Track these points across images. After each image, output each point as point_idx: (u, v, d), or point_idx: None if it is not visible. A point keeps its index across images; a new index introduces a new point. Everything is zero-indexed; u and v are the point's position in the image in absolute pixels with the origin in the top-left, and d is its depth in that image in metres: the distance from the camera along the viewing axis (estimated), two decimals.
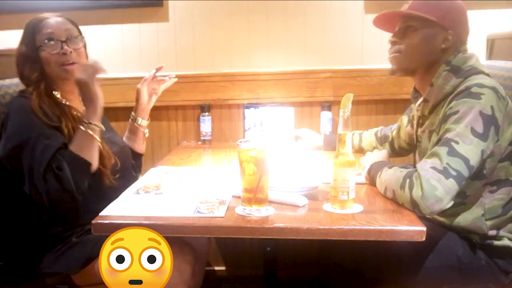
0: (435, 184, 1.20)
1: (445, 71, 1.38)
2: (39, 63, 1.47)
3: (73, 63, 1.49)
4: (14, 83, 1.61)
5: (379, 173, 1.39)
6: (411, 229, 1.11)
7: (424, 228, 1.11)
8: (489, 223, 1.37)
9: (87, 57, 1.59)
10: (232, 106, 2.25)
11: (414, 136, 1.55)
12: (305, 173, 1.53)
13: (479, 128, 1.25)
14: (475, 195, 1.37)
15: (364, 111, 2.23)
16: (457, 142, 1.24)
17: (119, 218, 1.18)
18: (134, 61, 2.25)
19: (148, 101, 1.77)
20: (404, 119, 1.71)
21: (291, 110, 1.99)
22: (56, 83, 1.50)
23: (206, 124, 2.19)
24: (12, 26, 2.28)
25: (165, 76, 1.83)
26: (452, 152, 1.23)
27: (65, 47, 1.48)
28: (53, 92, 1.49)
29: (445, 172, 1.21)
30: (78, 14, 2.20)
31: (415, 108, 1.56)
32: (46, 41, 1.46)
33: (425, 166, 1.24)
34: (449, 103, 1.32)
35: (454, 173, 1.21)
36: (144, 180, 1.51)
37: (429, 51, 1.41)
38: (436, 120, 1.39)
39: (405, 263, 1.39)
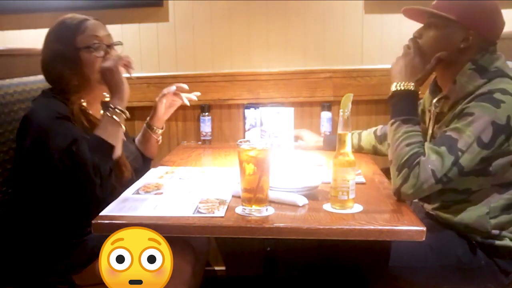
0: (425, 188, 1.26)
1: (470, 70, 1.37)
2: (79, 64, 1.43)
3: None
4: (14, 83, 1.60)
5: (394, 120, 1.36)
6: (411, 229, 1.11)
7: (424, 228, 1.11)
8: (493, 221, 1.37)
9: None
10: (232, 106, 2.25)
11: (430, 132, 1.52)
12: (305, 173, 1.53)
13: (486, 138, 1.26)
14: (481, 193, 1.37)
15: (364, 111, 2.23)
16: (463, 152, 1.26)
17: (119, 218, 1.18)
18: (134, 61, 2.25)
19: (165, 113, 1.75)
20: None
21: (291, 110, 1.99)
22: (84, 89, 1.47)
23: (206, 124, 2.19)
24: (12, 26, 2.28)
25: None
26: (455, 162, 1.26)
27: (112, 51, 1.48)
28: (81, 100, 1.47)
29: (440, 180, 1.26)
30: (79, 14, 2.21)
31: (427, 102, 1.55)
32: (89, 44, 1.44)
33: (427, 165, 1.26)
34: (469, 102, 1.31)
35: (445, 179, 1.26)
36: (144, 180, 1.51)
37: (445, 49, 1.39)
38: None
39: (405, 263, 1.39)
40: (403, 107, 1.37)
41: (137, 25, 2.26)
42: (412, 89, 1.38)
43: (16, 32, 2.29)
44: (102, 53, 1.45)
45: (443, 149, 1.27)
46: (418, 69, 1.40)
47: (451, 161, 1.26)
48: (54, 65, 1.44)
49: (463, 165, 1.26)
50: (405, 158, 1.29)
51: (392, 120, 1.37)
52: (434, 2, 1.42)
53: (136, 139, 1.80)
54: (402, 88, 1.38)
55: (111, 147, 1.34)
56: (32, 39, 2.27)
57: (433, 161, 1.26)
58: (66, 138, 1.29)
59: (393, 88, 1.40)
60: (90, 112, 1.48)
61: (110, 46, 1.48)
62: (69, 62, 1.42)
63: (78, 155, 1.27)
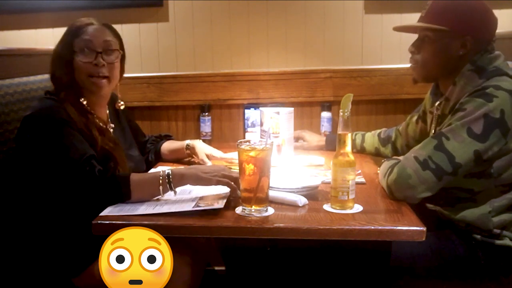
0: (410, 172, 1.26)
1: (469, 71, 1.37)
2: (71, 68, 1.43)
3: (103, 77, 1.45)
4: (14, 83, 1.60)
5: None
6: (411, 229, 1.11)
7: (424, 228, 1.11)
8: (495, 220, 1.37)
9: (122, 72, 1.55)
10: (232, 106, 2.25)
11: (432, 134, 1.53)
12: (305, 173, 1.53)
13: (477, 129, 1.26)
14: (486, 193, 1.37)
15: (364, 111, 2.23)
16: (447, 138, 1.27)
17: (119, 218, 1.18)
18: (134, 61, 2.25)
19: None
20: (415, 116, 1.70)
21: (291, 110, 1.99)
22: (84, 91, 1.47)
23: (206, 124, 2.19)
24: (12, 26, 2.28)
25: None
26: (439, 147, 1.27)
27: (99, 58, 1.43)
28: (80, 99, 1.45)
29: (424, 164, 1.26)
30: (78, 14, 2.20)
31: (428, 103, 1.55)
32: (81, 48, 1.42)
33: (410, 155, 1.31)
34: (464, 99, 1.32)
35: (433, 166, 1.26)
36: None
37: (445, 61, 1.40)
38: None
39: (405, 263, 1.39)
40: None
41: (137, 25, 2.26)
42: None
43: (16, 32, 2.29)
44: (90, 59, 1.43)
45: (428, 138, 1.32)
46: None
47: (433, 145, 1.28)
48: (53, 65, 1.45)
49: (452, 153, 1.25)
50: (389, 165, 1.35)
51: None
52: (424, 14, 1.42)
53: (166, 146, 1.79)
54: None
55: (127, 197, 1.27)
56: (32, 39, 2.28)
57: (417, 149, 1.31)
58: (80, 152, 1.29)
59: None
60: (94, 114, 1.48)
61: (101, 52, 1.43)
62: (64, 63, 1.43)
63: (88, 173, 1.27)
